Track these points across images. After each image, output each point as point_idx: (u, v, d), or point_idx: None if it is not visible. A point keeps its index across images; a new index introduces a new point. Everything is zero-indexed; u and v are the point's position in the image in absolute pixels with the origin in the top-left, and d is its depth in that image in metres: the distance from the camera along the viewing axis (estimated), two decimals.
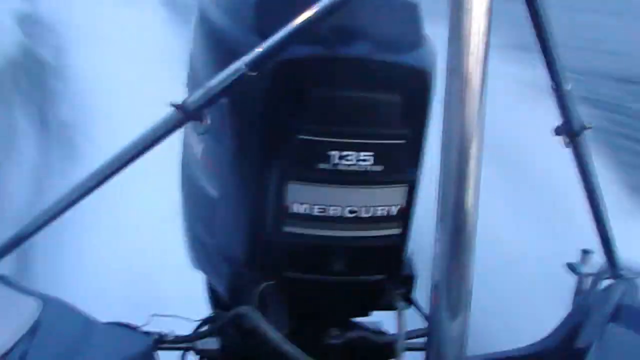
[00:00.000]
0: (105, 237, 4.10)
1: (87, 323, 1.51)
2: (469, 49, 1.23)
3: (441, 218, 1.24)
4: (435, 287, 1.25)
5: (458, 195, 1.23)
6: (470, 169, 1.22)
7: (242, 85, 1.44)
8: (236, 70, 1.43)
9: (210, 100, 1.48)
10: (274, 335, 1.48)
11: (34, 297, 1.48)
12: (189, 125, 1.56)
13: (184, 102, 1.48)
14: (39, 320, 1.41)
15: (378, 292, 1.59)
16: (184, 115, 1.48)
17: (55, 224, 1.62)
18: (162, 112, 1.52)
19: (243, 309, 1.52)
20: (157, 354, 1.65)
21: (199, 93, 1.48)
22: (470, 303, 1.25)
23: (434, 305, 1.26)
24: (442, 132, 1.24)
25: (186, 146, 1.75)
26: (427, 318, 1.60)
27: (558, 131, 1.71)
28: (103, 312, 1.69)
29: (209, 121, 1.52)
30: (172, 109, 1.49)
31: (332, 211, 1.50)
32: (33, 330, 1.40)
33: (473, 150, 1.22)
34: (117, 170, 1.55)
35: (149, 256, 3.79)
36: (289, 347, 1.48)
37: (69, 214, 1.61)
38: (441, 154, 1.24)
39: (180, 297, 2.40)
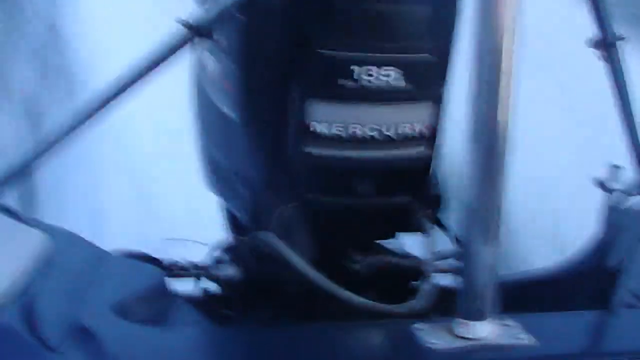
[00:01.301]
0: (115, 160, 4.05)
1: (97, 254, 1.46)
2: None
3: (472, 138, 1.16)
4: (467, 210, 1.18)
5: (489, 114, 1.15)
6: (502, 85, 1.14)
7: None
8: None
9: (221, 16, 1.40)
10: (296, 260, 1.43)
11: (41, 229, 1.42)
12: (203, 43, 1.47)
13: (192, 18, 1.40)
14: (48, 253, 1.35)
15: (404, 214, 1.52)
16: (193, 32, 1.40)
17: (60, 149, 1.55)
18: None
19: (262, 234, 1.47)
20: (171, 283, 1.60)
21: (209, 8, 1.40)
22: (502, 225, 1.18)
23: (466, 228, 1.19)
24: (473, 45, 1.16)
25: (200, 66, 1.66)
26: (456, 239, 1.56)
27: (591, 43, 1.63)
28: (114, 240, 1.64)
29: (221, 39, 1.44)
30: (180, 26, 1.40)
31: (354, 130, 1.43)
32: (43, 264, 1.34)
33: (505, 65, 1.13)
34: (124, 91, 1.47)
35: (161, 180, 3.75)
36: (311, 272, 1.42)
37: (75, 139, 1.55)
38: (472, 69, 1.16)
39: (195, 222, 2.36)
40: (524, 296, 1.69)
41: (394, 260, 1.57)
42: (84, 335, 1.24)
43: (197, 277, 1.67)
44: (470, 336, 1.19)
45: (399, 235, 1.59)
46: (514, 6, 1.13)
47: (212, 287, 1.68)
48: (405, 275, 1.55)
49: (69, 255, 1.41)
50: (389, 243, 1.60)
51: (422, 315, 1.45)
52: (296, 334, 1.30)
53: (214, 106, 1.60)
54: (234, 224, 1.70)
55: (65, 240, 1.45)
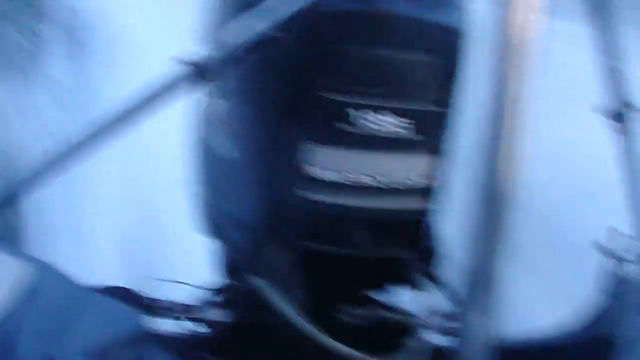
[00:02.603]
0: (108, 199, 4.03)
1: (77, 291, 1.42)
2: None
3: (476, 199, 1.12)
4: (463, 279, 1.13)
5: (495, 175, 1.10)
6: (510, 146, 1.10)
7: (264, 44, 1.34)
8: (261, 30, 1.33)
9: (231, 60, 1.36)
10: (284, 307, 1.40)
11: (25, 261, 1.38)
12: (203, 84, 1.43)
13: (199, 59, 1.35)
14: (30, 287, 1.32)
15: (397, 266, 1.49)
16: (196, 73, 1.37)
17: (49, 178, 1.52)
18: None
19: (252, 279, 1.44)
20: (153, 323, 1.56)
21: (218, 50, 1.36)
22: (500, 296, 1.13)
23: (466, 292, 1.14)
24: (485, 101, 1.12)
25: (198, 106, 1.64)
26: (452, 299, 1.52)
27: (601, 110, 1.60)
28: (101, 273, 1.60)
29: (221, 80, 1.41)
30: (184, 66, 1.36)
31: (352, 177, 1.40)
32: (24, 298, 1.31)
33: (513, 129, 1.10)
34: (122, 127, 1.45)
35: (154, 223, 3.72)
36: (299, 321, 1.39)
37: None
38: (481, 127, 1.11)
39: (186, 265, 2.32)
40: None
41: (383, 313, 1.52)
42: None
43: (183, 318, 1.63)
44: None
45: (391, 289, 1.54)
46: (527, 62, 1.10)
47: (198, 329, 1.64)
48: (394, 330, 1.50)
49: (48, 290, 1.37)
50: (380, 296, 1.55)
51: None
52: None
53: (211, 147, 1.58)
54: (226, 267, 1.66)
55: (46, 274, 1.41)
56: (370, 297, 1.54)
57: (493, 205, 1.10)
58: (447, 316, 1.54)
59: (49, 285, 1.38)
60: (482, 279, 1.11)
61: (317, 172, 1.40)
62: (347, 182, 1.40)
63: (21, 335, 1.25)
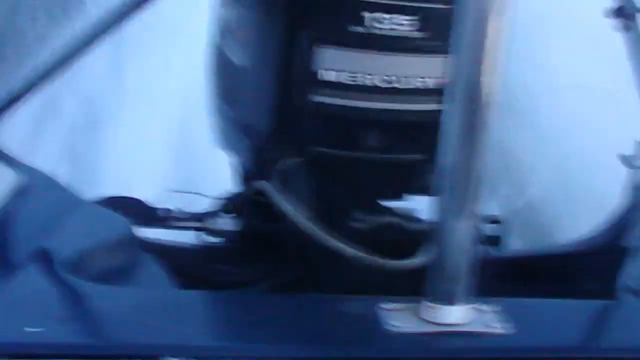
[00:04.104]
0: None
1: (71, 198, 1.39)
2: None
3: (451, 96, 1.03)
4: (440, 178, 1.05)
5: (473, 71, 1.00)
6: (488, 41, 0.98)
7: None
8: None
9: None
10: (293, 212, 1.35)
11: (17, 165, 1.36)
12: None
13: None
14: (20, 189, 1.29)
15: (413, 173, 1.43)
16: None
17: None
18: None
19: (260, 184, 1.40)
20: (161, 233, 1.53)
21: None
22: (480, 198, 1.05)
23: (439, 199, 1.05)
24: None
25: (216, 15, 1.59)
26: None
27: (609, 12, 1.54)
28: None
29: None
30: None
31: (364, 79, 1.34)
32: (13, 199, 1.29)
33: (493, 23, 0.98)
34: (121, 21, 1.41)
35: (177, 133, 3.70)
36: (309, 226, 1.34)
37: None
38: (455, 22, 1.01)
39: (209, 177, 2.30)
40: (530, 272, 1.60)
41: (398, 221, 1.47)
42: (39, 274, 1.18)
43: (198, 228, 1.61)
44: (436, 321, 1.06)
45: (405, 196, 1.49)
46: None
47: (209, 239, 1.62)
48: (408, 240, 1.44)
49: (39, 192, 1.36)
50: (393, 202, 1.50)
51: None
52: (252, 301, 1.23)
53: (224, 54, 1.53)
54: (239, 176, 1.62)
55: (39, 181, 1.39)
56: (383, 204, 1.50)
57: (471, 105, 1.01)
58: None
59: (40, 188, 1.37)
60: (458, 187, 1.04)
61: (329, 74, 1.35)
62: (359, 84, 1.35)
63: (14, 229, 1.25)
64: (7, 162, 1.39)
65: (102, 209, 1.45)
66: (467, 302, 1.07)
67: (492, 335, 1.06)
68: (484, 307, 1.09)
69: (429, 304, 1.07)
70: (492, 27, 0.99)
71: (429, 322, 1.07)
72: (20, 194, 1.30)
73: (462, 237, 1.04)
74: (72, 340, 1.02)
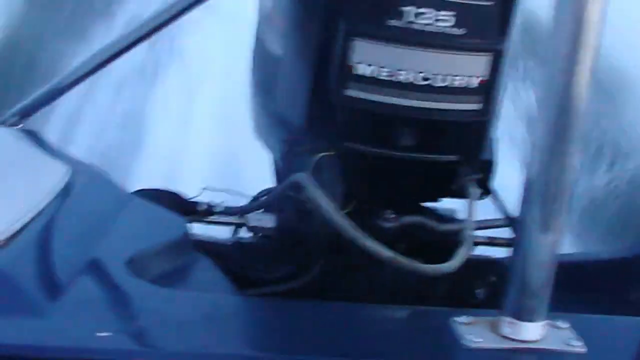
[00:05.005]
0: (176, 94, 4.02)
1: (119, 193, 1.39)
2: None
3: (543, 105, 1.03)
4: (527, 188, 1.05)
5: (564, 82, 1.01)
6: (581, 53, 1.00)
7: None
8: None
9: None
10: (327, 205, 1.32)
11: (63, 160, 1.35)
12: None
13: None
14: (68, 185, 1.29)
15: (450, 175, 1.40)
16: None
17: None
18: None
19: (296, 177, 1.37)
20: (204, 229, 1.53)
21: None
22: (568, 204, 1.05)
23: (523, 209, 1.06)
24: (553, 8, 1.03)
25: (257, 4, 1.59)
26: (506, 213, 1.45)
27: None
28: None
29: None
30: None
31: (402, 76, 1.32)
32: (62, 195, 1.28)
33: (586, 34, 0.99)
34: (169, 21, 1.42)
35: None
36: (342, 221, 1.31)
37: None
38: (549, 32, 1.02)
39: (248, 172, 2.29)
40: (577, 280, 1.58)
41: (431, 223, 1.45)
42: (95, 280, 1.18)
43: (235, 225, 1.60)
44: (517, 337, 1.07)
45: (440, 199, 1.47)
46: None
47: (245, 235, 1.61)
48: (441, 241, 1.42)
49: (89, 192, 1.35)
50: (429, 205, 1.49)
51: (458, 295, 1.35)
52: (324, 310, 1.22)
53: (264, 45, 1.52)
54: (276, 171, 1.62)
55: (87, 174, 1.39)
56: (416, 204, 1.48)
57: (562, 116, 1.01)
58: (498, 227, 1.48)
59: (89, 188, 1.36)
60: (546, 199, 1.03)
61: (365, 68, 1.33)
62: (395, 80, 1.33)
63: (58, 234, 1.23)
64: (53, 155, 1.39)
65: (154, 206, 1.43)
66: (545, 318, 1.07)
67: (570, 353, 1.07)
68: (562, 324, 1.10)
69: (509, 319, 1.07)
70: (586, 38, 0.99)
71: (508, 338, 1.07)
72: (67, 190, 1.29)
73: (545, 251, 1.04)
74: (138, 347, 1.05)
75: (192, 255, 1.36)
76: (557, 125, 1.01)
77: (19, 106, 1.60)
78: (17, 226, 1.16)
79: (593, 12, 0.98)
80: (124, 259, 1.20)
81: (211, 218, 1.60)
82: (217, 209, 1.59)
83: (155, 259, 1.27)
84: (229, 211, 1.58)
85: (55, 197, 1.26)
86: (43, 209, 1.22)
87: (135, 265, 1.21)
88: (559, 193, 1.03)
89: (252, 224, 1.55)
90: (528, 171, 1.04)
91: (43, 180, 1.29)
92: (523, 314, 1.06)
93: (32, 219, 1.19)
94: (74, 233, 1.27)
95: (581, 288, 1.52)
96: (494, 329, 1.08)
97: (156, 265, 1.25)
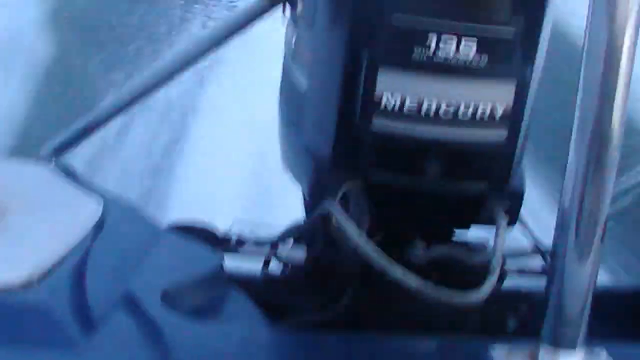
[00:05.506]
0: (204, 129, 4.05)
1: (152, 227, 1.41)
2: None
3: (578, 130, 1.04)
4: (563, 215, 1.05)
5: (601, 107, 1.02)
6: (618, 78, 1.01)
7: None
8: None
9: None
10: (356, 234, 1.33)
11: (97, 194, 1.37)
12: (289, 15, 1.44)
13: None
14: (101, 220, 1.31)
15: (478, 203, 1.40)
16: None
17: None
18: None
19: (325, 207, 1.38)
20: (232, 262, 1.54)
21: None
22: (603, 237, 1.05)
23: (559, 236, 1.06)
24: (587, 28, 1.04)
25: (286, 39, 1.61)
26: (535, 242, 1.44)
27: None
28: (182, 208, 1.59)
29: (300, 6, 1.39)
30: None
31: (427, 105, 1.32)
32: (95, 230, 1.30)
33: (623, 57, 1.00)
34: (200, 56, 1.43)
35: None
36: (371, 250, 1.32)
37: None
38: (584, 54, 1.03)
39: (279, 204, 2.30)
40: (615, 308, 1.57)
41: (460, 252, 1.45)
42: (129, 315, 1.20)
43: (266, 257, 1.61)
44: None
45: (469, 227, 1.47)
46: None
47: (277, 268, 1.62)
48: (471, 271, 1.42)
49: (121, 226, 1.37)
50: (457, 234, 1.49)
51: (494, 328, 1.34)
52: (360, 343, 1.22)
53: (291, 78, 1.53)
54: (306, 203, 1.62)
55: (120, 208, 1.40)
56: (444, 234, 1.48)
57: (598, 145, 1.02)
58: (528, 257, 1.47)
59: (121, 221, 1.37)
60: (583, 226, 1.04)
61: (391, 98, 1.33)
62: (421, 110, 1.33)
63: (90, 269, 1.24)
64: (86, 190, 1.41)
65: (187, 239, 1.45)
66: (583, 346, 1.07)
67: None
68: (602, 354, 1.10)
69: (549, 347, 1.07)
70: (622, 67, 1.00)
71: None
72: (100, 225, 1.30)
73: (584, 279, 1.05)
74: None
75: (225, 288, 1.37)
76: (592, 153, 1.02)
77: (54, 141, 1.63)
78: (51, 262, 1.18)
79: (626, 38, 0.99)
80: (158, 293, 1.22)
81: (242, 250, 1.62)
82: (248, 241, 1.60)
83: (189, 293, 1.28)
84: (259, 243, 1.59)
85: (89, 232, 1.28)
86: (77, 244, 1.24)
87: (169, 299, 1.22)
88: (595, 221, 1.03)
89: (283, 255, 1.56)
90: (563, 199, 1.05)
91: (76, 215, 1.31)
92: (561, 343, 1.06)
93: (66, 255, 1.21)
94: (108, 268, 1.28)
95: (619, 317, 1.51)
96: (532, 358, 1.08)
97: (190, 299, 1.27)
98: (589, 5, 1.02)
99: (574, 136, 1.04)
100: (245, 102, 4.30)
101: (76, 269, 1.21)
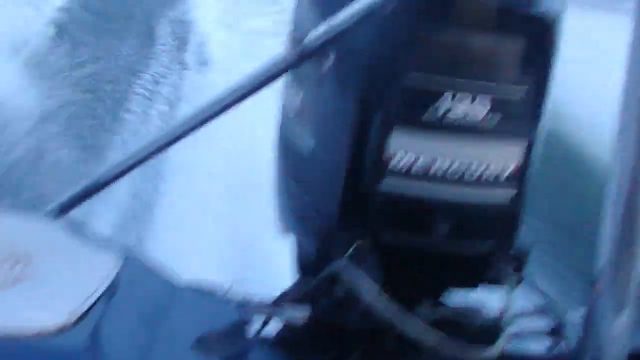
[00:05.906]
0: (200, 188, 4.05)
1: (167, 284, 1.41)
2: None
3: (614, 197, 1.08)
4: (598, 276, 1.09)
5: (634, 170, 1.06)
6: None
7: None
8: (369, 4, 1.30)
9: (335, 38, 1.35)
10: (374, 291, 1.33)
11: (112, 252, 1.38)
12: (289, 76, 1.45)
13: (300, 39, 1.37)
14: (117, 278, 1.31)
15: (485, 263, 1.42)
16: (301, 53, 1.37)
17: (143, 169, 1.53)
18: None
19: (336, 265, 1.38)
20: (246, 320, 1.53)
21: (320, 30, 1.37)
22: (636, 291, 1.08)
23: (593, 296, 1.09)
24: (622, 95, 1.07)
25: (283, 103, 1.61)
26: (545, 301, 1.44)
27: None
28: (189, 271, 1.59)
29: (331, 61, 1.40)
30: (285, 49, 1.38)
31: (438, 165, 1.34)
32: (111, 290, 1.29)
33: None
34: (222, 111, 1.45)
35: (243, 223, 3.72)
36: (387, 306, 1.32)
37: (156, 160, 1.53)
38: (619, 120, 1.08)
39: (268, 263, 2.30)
40: None
41: (468, 312, 1.45)
42: None
43: (268, 316, 1.60)
44: None
45: (477, 287, 1.48)
46: None
47: (282, 327, 1.61)
48: (480, 330, 1.42)
49: (138, 283, 1.37)
50: (464, 293, 1.49)
51: None
52: None
53: (292, 141, 1.54)
54: (305, 265, 1.61)
55: (136, 266, 1.40)
56: (454, 292, 1.49)
57: (630, 204, 1.07)
58: (537, 316, 1.47)
59: (134, 277, 1.37)
60: (615, 285, 1.08)
61: (400, 160, 1.35)
62: (431, 170, 1.35)
63: (111, 325, 1.24)
64: (100, 246, 1.40)
65: (207, 294, 1.45)
66: None
67: None
68: None
69: None
70: None
71: None
72: (117, 281, 1.30)
73: (618, 336, 1.07)
74: None
75: (250, 344, 1.38)
76: (625, 216, 1.06)
77: (63, 198, 1.62)
78: (71, 320, 1.17)
79: None
80: (182, 349, 1.22)
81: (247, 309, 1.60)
82: (253, 301, 1.59)
83: (217, 343, 1.29)
84: (264, 304, 1.58)
85: (107, 289, 1.28)
86: (95, 302, 1.24)
87: (199, 348, 1.23)
88: (629, 279, 1.07)
89: (287, 315, 1.55)
90: (599, 258, 1.08)
91: (92, 272, 1.31)
92: None
93: (85, 312, 1.20)
94: (128, 325, 1.28)
95: None
96: None
97: (219, 349, 1.28)
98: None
99: (607, 197, 1.06)
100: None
101: (94, 326, 1.21)
